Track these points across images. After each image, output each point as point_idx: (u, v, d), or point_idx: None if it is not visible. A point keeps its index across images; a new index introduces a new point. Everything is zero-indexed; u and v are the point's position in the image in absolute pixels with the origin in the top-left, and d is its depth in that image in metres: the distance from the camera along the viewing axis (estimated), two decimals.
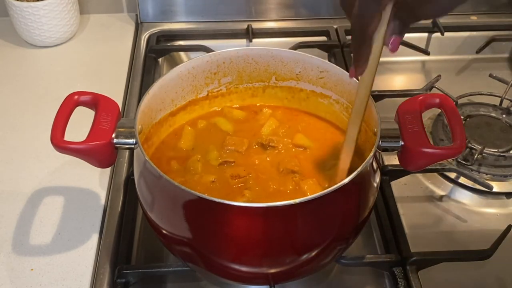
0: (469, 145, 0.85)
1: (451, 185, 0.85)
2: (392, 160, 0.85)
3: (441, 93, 0.92)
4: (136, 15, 1.15)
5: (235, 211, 0.57)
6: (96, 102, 0.67)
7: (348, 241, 0.66)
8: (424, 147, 0.63)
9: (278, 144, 0.72)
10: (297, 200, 0.55)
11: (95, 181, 0.81)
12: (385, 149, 0.65)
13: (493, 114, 0.93)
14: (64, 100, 0.67)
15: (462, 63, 1.11)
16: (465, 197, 0.84)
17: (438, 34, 1.10)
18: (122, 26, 1.14)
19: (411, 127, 0.65)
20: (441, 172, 0.86)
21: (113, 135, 0.64)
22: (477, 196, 0.84)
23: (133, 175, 0.72)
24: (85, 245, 0.73)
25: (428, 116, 0.93)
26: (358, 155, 0.72)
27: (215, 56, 0.75)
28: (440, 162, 0.78)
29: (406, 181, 0.84)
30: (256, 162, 0.70)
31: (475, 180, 0.83)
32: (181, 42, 1.12)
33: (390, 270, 0.71)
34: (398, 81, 1.10)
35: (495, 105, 0.95)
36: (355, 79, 0.71)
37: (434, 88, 0.96)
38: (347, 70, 0.86)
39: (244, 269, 0.62)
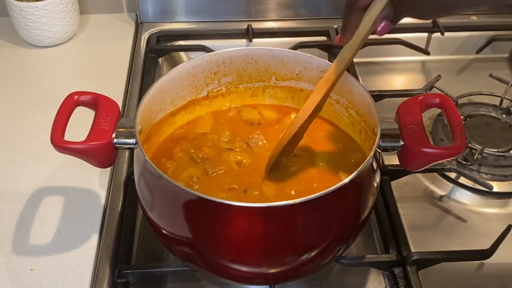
0: (469, 145, 0.85)
1: (451, 185, 0.85)
2: (392, 160, 0.85)
3: (441, 93, 0.92)
4: (136, 15, 1.15)
5: (235, 211, 0.57)
6: (96, 102, 0.67)
7: (348, 241, 0.66)
8: (424, 147, 0.63)
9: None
10: (297, 200, 0.55)
11: (95, 181, 0.81)
12: (385, 149, 0.65)
13: (493, 114, 0.93)
14: (64, 100, 0.67)
15: (462, 63, 1.11)
16: (465, 197, 0.84)
17: (438, 34, 1.10)
18: (122, 26, 1.14)
19: (411, 127, 0.65)
20: (441, 172, 0.86)
21: (113, 135, 0.64)
22: (477, 196, 0.84)
23: (133, 175, 0.72)
24: (85, 245, 0.73)
25: (428, 116, 0.93)
26: (358, 153, 0.72)
27: (215, 56, 0.75)
28: (440, 162, 0.78)
29: (406, 181, 0.84)
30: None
31: (475, 180, 0.83)
32: (181, 42, 1.12)
33: (390, 270, 0.71)
34: (398, 81, 1.10)
35: (495, 105, 0.95)
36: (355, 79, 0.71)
37: (434, 88, 0.96)
38: (347, 70, 0.86)
39: (244, 269, 0.62)
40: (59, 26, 1.05)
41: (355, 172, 0.58)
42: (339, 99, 0.75)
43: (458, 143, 0.63)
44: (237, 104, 0.80)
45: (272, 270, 0.63)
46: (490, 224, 0.80)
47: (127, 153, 0.86)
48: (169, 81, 0.72)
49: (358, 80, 0.73)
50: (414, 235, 0.77)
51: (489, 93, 0.96)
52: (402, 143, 0.64)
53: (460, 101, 0.95)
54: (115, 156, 0.66)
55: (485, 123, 0.92)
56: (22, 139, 0.88)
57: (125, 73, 1.02)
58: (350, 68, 1.01)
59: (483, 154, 0.84)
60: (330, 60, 1.04)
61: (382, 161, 0.85)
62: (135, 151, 0.65)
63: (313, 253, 0.61)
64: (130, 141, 0.64)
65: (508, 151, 0.86)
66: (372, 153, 0.61)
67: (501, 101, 0.95)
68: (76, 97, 0.67)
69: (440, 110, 0.81)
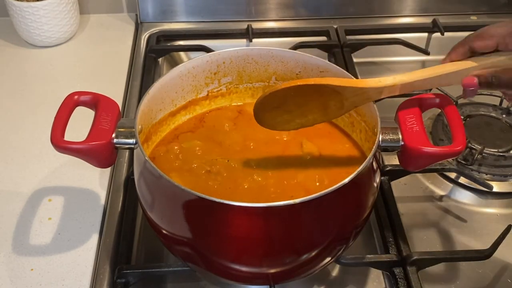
0: (469, 145, 0.85)
1: (451, 185, 0.85)
2: (392, 160, 0.85)
3: (441, 93, 0.92)
4: (136, 15, 1.15)
5: (235, 211, 0.57)
6: (96, 102, 0.67)
7: (348, 241, 0.66)
8: (424, 147, 0.63)
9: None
10: (297, 200, 0.55)
11: (95, 181, 0.81)
12: (385, 149, 0.65)
13: (493, 114, 0.93)
14: (64, 100, 0.67)
15: None
16: (465, 197, 0.84)
17: (438, 34, 1.10)
18: (122, 26, 1.14)
19: (411, 127, 0.65)
20: (441, 172, 0.86)
21: (113, 135, 0.64)
22: (477, 196, 0.84)
23: (133, 175, 0.72)
24: (85, 245, 0.73)
25: (428, 116, 0.93)
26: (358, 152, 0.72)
27: (215, 56, 0.75)
28: (440, 162, 0.78)
29: (406, 181, 0.84)
30: None
31: (475, 180, 0.83)
32: (181, 42, 1.12)
33: (390, 270, 0.71)
34: None
35: (495, 105, 0.95)
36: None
37: (434, 88, 0.96)
38: (347, 70, 0.86)
39: (244, 269, 0.63)
40: (59, 26, 1.05)
41: (355, 172, 0.58)
42: None
43: (458, 143, 0.63)
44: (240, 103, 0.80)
45: (272, 270, 0.63)
46: (490, 224, 0.80)
47: (127, 153, 0.86)
48: (169, 81, 0.72)
49: None
50: (414, 235, 0.77)
51: (489, 93, 0.96)
52: (402, 143, 0.64)
53: (460, 101, 0.95)
54: (115, 156, 0.66)
55: (485, 123, 0.92)
56: (22, 139, 0.88)
57: (125, 73, 1.02)
58: (350, 68, 1.01)
59: (483, 154, 0.84)
60: (330, 60, 1.05)
61: (382, 161, 0.85)
62: (135, 151, 0.65)
63: (313, 253, 0.61)
64: (130, 141, 0.64)
65: (508, 151, 0.86)
66: (372, 153, 0.61)
67: (501, 101, 0.95)
68: (76, 97, 0.67)
69: (440, 110, 0.81)
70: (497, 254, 0.72)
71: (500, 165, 0.85)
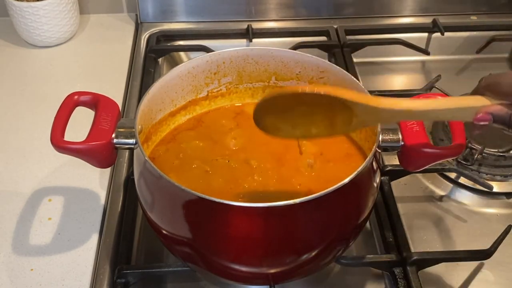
0: (469, 145, 0.85)
1: (451, 185, 0.85)
2: (392, 160, 0.85)
3: (441, 93, 0.92)
4: (136, 15, 1.15)
5: (235, 211, 0.57)
6: (96, 102, 0.67)
7: (348, 241, 0.66)
8: (424, 147, 0.63)
9: None
10: (297, 200, 0.55)
11: (95, 181, 0.81)
12: (385, 149, 0.65)
13: None
14: (64, 100, 0.67)
15: (462, 63, 1.11)
16: (465, 197, 0.84)
17: (438, 34, 1.10)
18: (122, 26, 1.14)
19: (411, 127, 0.65)
20: (441, 172, 0.86)
21: (113, 135, 0.64)
22: (477, 196, 0.84)
23: (133, 175, 0.72)
24: (85, 245, 0.73)
25: None
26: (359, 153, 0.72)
27: (215, 56, 0.75)
28: (440, 162, 0.78)
29: (406, 181, 0.84)
30: None
31: (475, 180, 0.83)
32: (181, 42, 1.12)
33: (390, 270, 0.71)
34: (398, 81, 1.10)
35: None
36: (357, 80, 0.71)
37: (434, 88, 0.96)
38: (347, 70, 0.86)
39: (244, 269, 0.63)
40: (59, 26, 1.05)
41: (355, 172, 0.58)
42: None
43: (458, 143, 0.63)
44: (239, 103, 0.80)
45: (272, 270, 0.63)
46: (490, 224, 0.80)
47: (127, 153, 0.86)
48: (169, 81, 0.72)
49: (358, 80, 0.73)
50: (414, 235, 0.77)
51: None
52: (402, 143, 0.64)
53: None
54: (115, 156, 0.66)
55: None
56: (22, 139, 0.88)
57: (125, 73, 1.02)
58: (350, 68, 1.01)
59: (483, 154, 0.84)
60: (330, 60, 1.05)
61: (382, 161, 0.85)
62: (135, 151, 0.65)
63: (313, 253, 0.61)
64: (130, 141, 0.64)
65: (508, 151, 0.86)
66: (372, 153, 0.61)
67: None
68: (76, 97, 0.67)
69: None
70: (497, 254, 0.72)
71: (500, 165, 0.85)
